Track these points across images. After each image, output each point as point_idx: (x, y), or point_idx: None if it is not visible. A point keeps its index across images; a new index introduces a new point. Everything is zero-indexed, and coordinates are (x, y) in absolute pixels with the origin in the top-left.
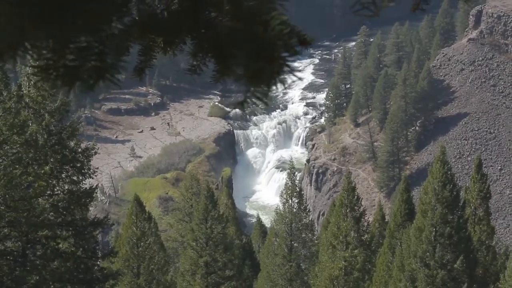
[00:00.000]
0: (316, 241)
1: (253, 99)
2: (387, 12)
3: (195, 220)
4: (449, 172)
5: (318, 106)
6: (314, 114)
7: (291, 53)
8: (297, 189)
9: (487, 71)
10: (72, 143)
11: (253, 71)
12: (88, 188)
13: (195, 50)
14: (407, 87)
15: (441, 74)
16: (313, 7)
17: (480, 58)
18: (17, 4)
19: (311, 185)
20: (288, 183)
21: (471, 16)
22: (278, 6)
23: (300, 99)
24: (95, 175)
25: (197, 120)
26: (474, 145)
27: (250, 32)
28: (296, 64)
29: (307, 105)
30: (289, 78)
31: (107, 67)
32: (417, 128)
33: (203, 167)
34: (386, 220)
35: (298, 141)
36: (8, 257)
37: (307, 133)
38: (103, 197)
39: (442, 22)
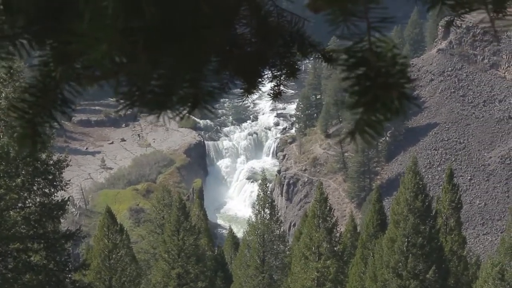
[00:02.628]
0: (288, 252)
1: (366, 129)
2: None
3: (167, 231)
4: (421, 183)
5: (289, 117)
6: (285, 125)
7: (406, 80)
8: (269, 200)
9: (456, 81)
10: (43, 155)
11: (368, 99)
12: (59, 200)
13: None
14: None
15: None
16: None
17: (450, 68)
18: (124, 30)
19: (282, 196)
20: (260, 194)
21: (440, 27)
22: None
23: (270, 110)
24: (67, 188)
25: (167, 131)
26: (444, 155)
27: (360, 58)
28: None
29: (278, 116)
30: (408, 106)
31: (203, 94)
32: (387, 138)
33: (174, 178)
34: (358, 231)
35: (269, 152)
36: None
37: (278, 144)
38: (74, 209)
39: (412, 33)
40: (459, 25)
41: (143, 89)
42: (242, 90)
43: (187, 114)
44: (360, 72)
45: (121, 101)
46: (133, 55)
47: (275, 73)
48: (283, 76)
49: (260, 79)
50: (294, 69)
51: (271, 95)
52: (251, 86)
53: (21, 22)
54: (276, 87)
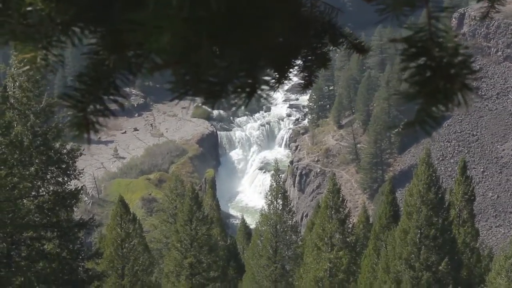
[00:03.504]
0: (300, 243)
1: (427, 119)
2: (370, 14)
3: (180, 221)
4: (434, 175)
5: (302, 107)
6: (298, 115)
7: (468, 71)
8: (282, 190)
9: None
10: (57, 144)
11: (429, 90)
12: (73, 189)
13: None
14: (390, 89)
15: None
16: None
17: None
18: (188, 19)
19: (294, 187)
20: (273, 185)
21: (453, 19)
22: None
23: (283, 101)
24: (80, 177)
25: (180, 121)
26: (457, 147)
27: (420, 47)
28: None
29: (290, 106)
30: (470, 98)
31: (260, 84)
32: (400, 130)
33: (186, 168)
34: (371, 222)
35: (282, 142)
36: None
37: (291, 135)
38: (86, 198)
39: None
40: (493, 16)
41: (198, 78)
42: (272, 81)
43: (242, 104)
44: (420, 62)
45: (174, 90)
46: (195, 45)
47: (307, 64)
48: (314, 66)
49: (291, 70)
50: (325, 60)
51: (302, 85)
52: (282, 76)
53: (73, 9)
54: (306, 78)
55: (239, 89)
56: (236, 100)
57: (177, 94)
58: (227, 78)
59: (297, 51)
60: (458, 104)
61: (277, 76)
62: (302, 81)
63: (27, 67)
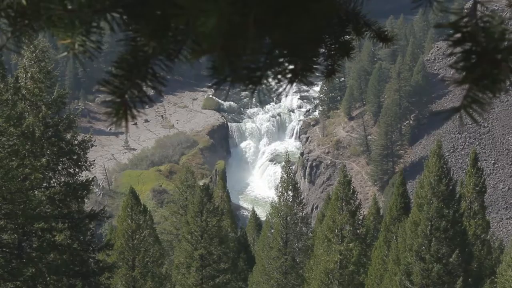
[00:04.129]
0: (310, 235)
1: (473, 105)
2: (381, 5)
3: (190, 212)
4: (445, 166)
5: (312, 99)
6: (308, 107)
7: None
8: (293, 182)
9: None
10: (68, 135)
11: (476, 75)
12: (84, 180)
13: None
14: (401, 80)
15: (435, 67)
16: None
17: None
18: (235, 2)
19: (304, 178)
20: (283, 176)
21: (466, 10)
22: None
23: (294, 92)
24: (92, 167)
25: (191, 113)
26: (468, 139)
27: (465, 32)
28: None
29: (301, 98)
30: None
31: (302, 69)
32: (411, 121)
33: (197, 160)
34: (381, 214)
35: (292, 134)
36: (4, 249)
37: (301, 126)
38: (97, 190)
39: (437, 16)
40: None
41: (240, 64)
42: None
43: (284, 89)
44: (466, 48)
45: (214, 76)
46: (241, 29)
47: (330, 53)
48: (338, 55)
49: (316, 59)
50: (349, 49)
51: (325, 74)
52: (308, 67)
53: None
54: (330, 66)
55: (280, 75)
56: (277, 86)
57: (216, 80)
58: (268, 64)
59: (320, 40)
60: (506, 90)
61: (300, 65)
62: (325, 70)
63: (65, 53)
